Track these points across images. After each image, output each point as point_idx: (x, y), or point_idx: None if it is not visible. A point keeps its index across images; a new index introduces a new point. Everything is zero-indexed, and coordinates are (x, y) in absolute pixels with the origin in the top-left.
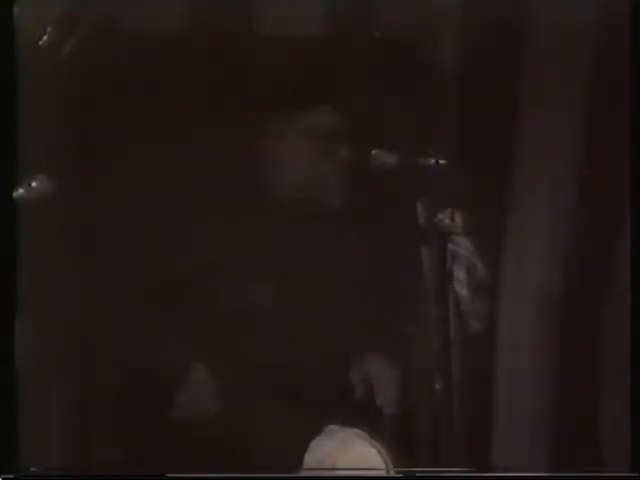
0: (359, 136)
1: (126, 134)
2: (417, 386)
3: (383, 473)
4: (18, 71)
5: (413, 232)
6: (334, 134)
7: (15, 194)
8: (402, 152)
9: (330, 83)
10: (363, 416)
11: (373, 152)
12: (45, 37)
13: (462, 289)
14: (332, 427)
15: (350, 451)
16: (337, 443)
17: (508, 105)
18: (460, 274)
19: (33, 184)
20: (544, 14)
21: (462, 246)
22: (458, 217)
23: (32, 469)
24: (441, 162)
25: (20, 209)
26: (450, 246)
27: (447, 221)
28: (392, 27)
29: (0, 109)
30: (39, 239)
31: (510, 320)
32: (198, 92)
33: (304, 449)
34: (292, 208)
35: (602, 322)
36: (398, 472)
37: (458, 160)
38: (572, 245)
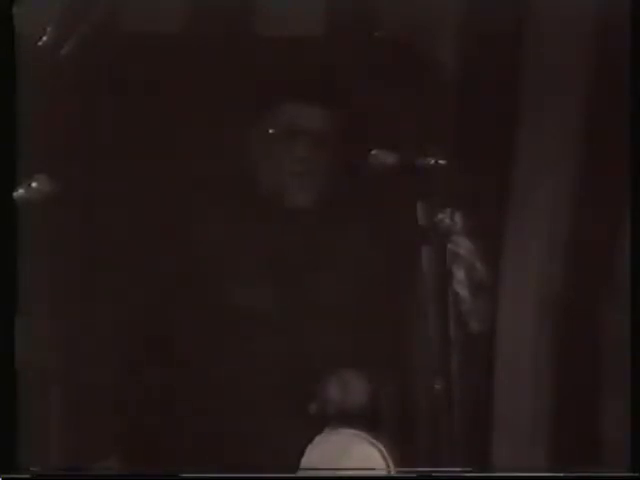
0: (359, 136)
1: (126, 134)
2: (417, 386)
3: (383, 473)
4: (18, 71)
5: (413, 232)
6: (326, 134)
7: (15, 194)
8: (402, 152)
9: (328, 82)
10: (363, 416)
11: (373, 152)
12: (45, 37)
13: (462, 289)
14: (333, 428)
15: (351, 451)
16: (338, 443)
17: (508, 105)
18: (460, 274)
19: (33, 184)
20: (544, 14)
21: (462, 246)
22: (458, 217)
23: (32, 469)
24: (441, 162)
25: (20, 209)
26: (450, 246)
27: (447, 221)
28: (392, 27)
29: (0, 109)
30: (39, 239)
31: (510, 320)
32: (198, 92)
33: (304, 449)
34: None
35: (602, 322)
36: (398, 472)
37: (458, 160)
38: (572, 245)
